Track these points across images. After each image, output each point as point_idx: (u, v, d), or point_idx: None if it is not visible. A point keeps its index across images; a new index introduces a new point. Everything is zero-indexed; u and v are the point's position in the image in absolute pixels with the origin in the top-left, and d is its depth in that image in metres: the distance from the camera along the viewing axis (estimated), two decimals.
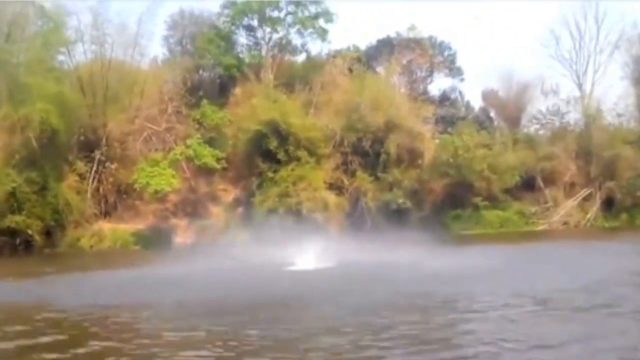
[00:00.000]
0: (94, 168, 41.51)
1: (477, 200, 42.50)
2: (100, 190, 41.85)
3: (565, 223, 43.39)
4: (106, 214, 41.70)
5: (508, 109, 50.33)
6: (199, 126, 44.43)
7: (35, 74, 38.90)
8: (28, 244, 37.07)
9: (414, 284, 17.74)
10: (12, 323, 14.03)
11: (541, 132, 49.24)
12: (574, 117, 48.71)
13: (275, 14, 48.53)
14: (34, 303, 17.29)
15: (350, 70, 47.86)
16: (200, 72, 50.42)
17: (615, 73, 50.51)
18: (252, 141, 41.51)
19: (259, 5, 47.81)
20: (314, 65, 49.42)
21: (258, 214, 38.83)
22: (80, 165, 41.44)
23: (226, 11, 49.41)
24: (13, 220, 36.11)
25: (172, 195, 42.13)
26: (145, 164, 40.77)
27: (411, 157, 43.47)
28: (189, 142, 42.34)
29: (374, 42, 55.04)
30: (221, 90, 48.91)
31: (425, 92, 53.58)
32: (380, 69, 51.91)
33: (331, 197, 40.25)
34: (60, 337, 12.63)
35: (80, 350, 11.43)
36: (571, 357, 9.54)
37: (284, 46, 50.16)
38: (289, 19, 48.59)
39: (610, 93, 58.95)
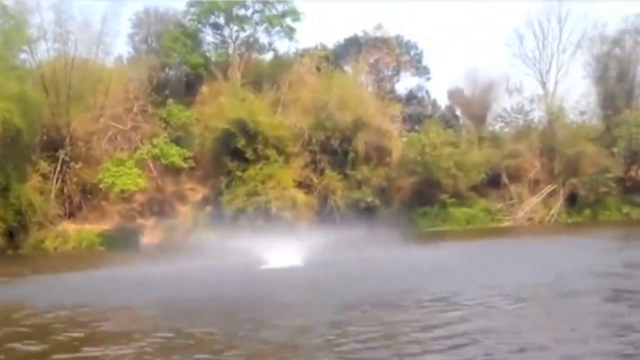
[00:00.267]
0: (58, 168, 40.77)
1: (444, 197, 42.97)
2: (65, 190, 41.14)
3: (530, 219, 44.06)
4: (71, 215, 41.01)
5: (473, 108, 50.94)
6: (165, 125, 43.99)
7: None
8: None
9: (383, 282, 17.77)
10: None
11: (506, 130, 49.98)
12: (537, 115, 49.69)
13: (242, 12, 48.24)
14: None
15: (318, 69, 47.92)
16: (167, 70, 49.88)
17: (578, 72, 51.68)
18: (220, 140, 41.20)
19: (226, 4, 47.45)
20: (281, 63, 49.27)
21: (227, 213, 38.58)
22: (44, 165, 40.67)
23: (192, 9, 49.01)
24: None
25: (139, 195, 41.60)
26: (110, 164, 40.18)
27: (379, 155, 43.67)
28: (155, 141, 41.81)
29: (341, 41, 55.14)
30: (188, 89, 48.44)
31: (392, 90, 53.88)
32: (347, 68, 52.04)
33: (300, 196, 40.17)
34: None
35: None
36: (541, 352, 9.61)
37: (251, 44, 49.90)
38: (256, 17, 48.35)
39: (572, 91, 60.26)
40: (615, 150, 44.81)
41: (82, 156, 42.16)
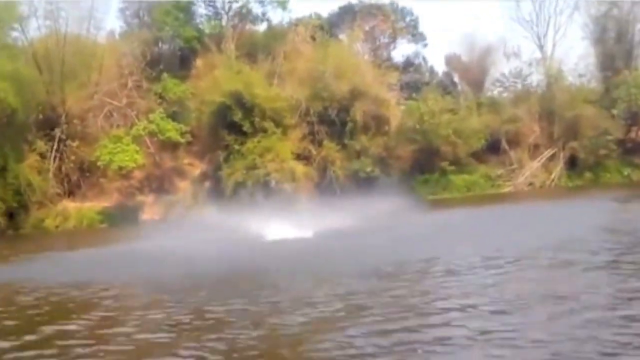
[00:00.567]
0: (55, 147, 40.61)
1: (444, 164, 42.76)
2: (63, 169, 41.00)
3: (531, 184, 43.87)
4: (70, 193, 40.90)
5: (471, 73, 50.43)
6: (160, 100, 43.64)
7: None
8: None
9: (389, 251, 17.65)
10: None
11: (504, 95, 49.45)
12: (536, 78, 49.03)
13: None
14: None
15: (313, 38, 47.42)
16: (160, 44, 49.27)
17: (576, 34, 50.95)
18: (217, 113, 40.90)
19: None
20: (275, 34, 48.63)
21: (226, 188, 38.46)
22: (41, 144, 40.47)
23: None
24: None
25: (137, 172, 41.45)
26: (107, 141, 40.00)
27: (377, 124, 43.35)
28: (151, 116, 41.55)
29: (335, 9, 54.55)
30: (182, 62, 47.97)
31: (389, 58, 53.30)
32: (343, 37, 51.45)
33: (299, 168, 40.03)
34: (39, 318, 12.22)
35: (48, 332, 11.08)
36: (544, 318, 9.50)
37: (245, 15, 49.20)
38: None
39: (571, 54, 59.90)
40: (614, 112, 44.37)
41: (79, 134, 41.90)
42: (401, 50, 56.86)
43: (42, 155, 40.30)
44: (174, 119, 42.01)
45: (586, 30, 50.18)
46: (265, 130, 40.27)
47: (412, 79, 51.17)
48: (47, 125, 41.20)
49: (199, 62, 47.03)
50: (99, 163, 39.33)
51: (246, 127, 40.08)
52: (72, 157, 41.14)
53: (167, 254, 19.72)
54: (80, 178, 41.58)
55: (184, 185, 42.57)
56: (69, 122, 41.46)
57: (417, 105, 43.55)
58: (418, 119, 42.35)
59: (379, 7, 53.42)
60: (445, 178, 42.72)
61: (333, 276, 14.08)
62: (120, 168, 39.19)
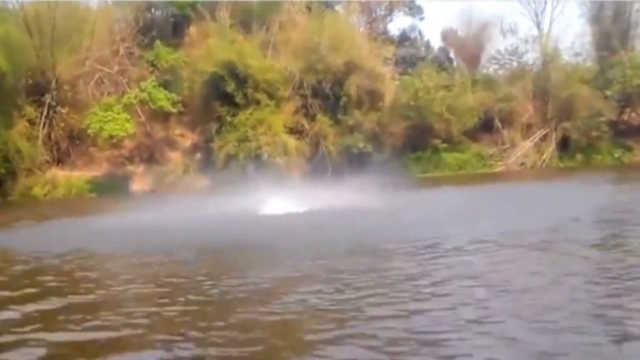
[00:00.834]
0: (45, 113, 40.07)
1: (437, 142, 42.65)
2: (52, 136, 40.56)
3: (522, 164, 43.90)
4: (59, 161, 40.54)
5: (467, 49, 50.05)
6: (152, 68, 43.00)
7: None
8: None
9: (384, 229, 17.55)
10: None
11: (500, 72, 49.17)
12: (532, 56, 48.73)
13: None
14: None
15: (309, 8, 46.72)
16: (153, 10, 48.26)
17: (573, 11, 50.48)
18: (209, 84, 40.45)
19: None
20: (270, 3, 47.62)
21: (217, 160, 38.25)
22: (30, 110, 39.95)
23: None
24: None
25: (127, 141, 41.10)
26: (97, 108, 39.53)
27: (371, 99, 43.02)
28: (143, 85, 40.94)
29: None
30: (175, 30, 47.06)
31: (385, 31, 52.81)
32: (339, 8, 50.78)
33: (291, 142, 39.79)
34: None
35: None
36: (539, 299, 9.47)
37: None
38: None
39: (568, 32, 59.30)
40: (608, 93, 44.25)
41: (69, 100, 41.39)
42: (397, 24, 56.67)
43: (32, 122, 39.84)
44: (165, 88, 41.42)
45: (583, 8, 49.84)
46: (258, 102, 39.93)
47: (408, 54, 50.67)
48: (37, 91, 40.61)
49: (192, 30, 46.25)
50: (89, 131, 38.88)
51: (239, 98, 39.71)
52: (62, 124, 40.67)
53: (158, 226, 19.56)
54: (70, 146, 41.20)
55: (174, 156, 42.22)
56: (59, 88, 40.89)
57: (412, 80, 43.21)
58: (412, 95, 42.06)
59: None
60: (437, 156, 42.64)
61: (320, 253, 13.95)
62: (111, 137, 38.80)
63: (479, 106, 43.86)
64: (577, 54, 48.13)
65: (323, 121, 41.54)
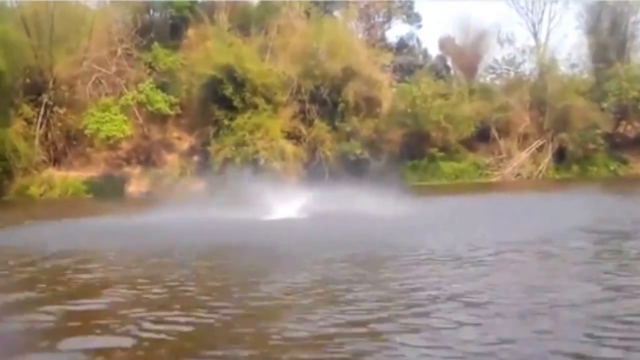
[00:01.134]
0: (42, 112, 39.95)
1: (434, 151, 42.84)
2: (49, 136, 40.44)
3: (518, 174, 44.09)
4: (55, 161, 40.41)
5: (465, 58, 50.28)
6: (150, 70, 42.94)
7: None
8: None
9: (373, 238, 17.57)
10: None
11: (497, 82, 49.41)
12: (528, 67, 49.09)
13: None
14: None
15: (307, 14, 46.76)
16: (151, 12, 48.34)
17: (570, 23, 50.86)
18: (207, 87, 40.49)
19: None
20: (269, 7, 47.86)
21: (214, 163, 38.22)
22: (27, 110, 39.83)
23: None
24: None
25: (125, 143, 41.00)
26: (95, 109, 39.43)
27: (369, 106, 43.15)
28: (141, 86, 40.93)
29: None
30: (173, 32, 47.04)
31: (382, 38, 53.00)
32: (337, 14, 50.87)
33: (289, 147, 39.85)
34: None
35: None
36: (525, 311, 9.51)
37: None
38: None
39: (565, 43, 59.66)
40: (604, 105, 44.55)
41: (66, 101, 41.27)
42: (395, 31, 56.79)
43: (29, 121, 39.71)
44: (163, 90, 41.39)
45: (580, 20, 50.34)
46: (255, 107, 39.96)
47: (405, 61, 50.81)
48: (35, 91, 40.50)
49: (190, 32, 46.22)
50: (86, 132, 38.81)
51: (236, 102, 39.74)
52: (59, 124, 40.54)
53: (160, 228, 19.55)
54: (67, 146, 41.07)
55: (171, 158, 42.15)
56: (56, 88, 40.78)
57: (410, 88, 43.40)
58: (410, 103, 42.24)
59: None
60: (433, 164, 42.79)
61: (317, 260, 13.99)
62: (108, 138, 38.71)
63: (476, 115, 44.05)
64: (573, 66, 48.47)
65: (321, 127, 41.63)
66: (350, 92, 42.16)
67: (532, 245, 15.08)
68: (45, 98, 40.03)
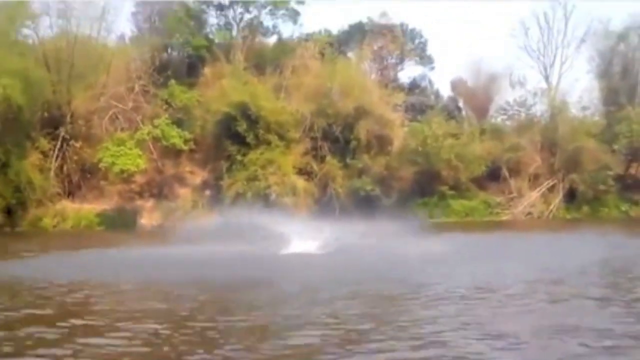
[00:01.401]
0: (58, 146, 40.69)
1: (444, 189, 42.97)
2: (64, 169, 41.08)
3: (529, 213, 44.05)
4: (70, 194, 40.94)
5: (476, 99, 50.79)
6: (166, 106, 43.64)
7: None
8: None
9: (388, 273, 17.63)
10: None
11: (508, 123, 49.71)
12: (540, 109, 49.38)
13: None
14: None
15: (322, 54, 47.57)
16: (169, 51, 49.62)
17: (582, 66, 51.42)
18: (221, 123, 41.16)
19: None
20: (285, 48, 48.98)
21: (226, 197, 38.57)
22: (44, 143, 40.56)
23: None
24: None
25: (138, 176, 41.49)
26: (110, 143, 39.99)
27: (380, 144, 43.61)
28: (156, 122, 41.56)
29: (345, 27, 54.89)
30: (190, 70, 48.13)
31: (395, 79, 53.79)
32: (351, 55, 51.87)
33: (300, 182, 40.20)
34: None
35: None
36: (533, 351, 9.53)
37: (255, 27, 49.60)
38: None
39: (576, 86, 60.36)
40: (615, 147, 44.75)
41: (83, 135, 42.04)
42: (408, 72, 57.34)
43: (45, 154, 40.40)
44: (178, 126, 42.05)
45: (592, 64, 50.98)
46: (268, 143, 40.48)
47: (417, 101, 51.38)
48: (52, 124, 41.35)
49: (206, 71, 47.16)
50: (100, 165, 39.33)
51: (250, 138, 40.30)
52: (75, 158, 41.25)
53: (176, 260, 19.74)
54: (81, 179, 41.67)
55: (184, 192, 42.58)
56: (73, 122, 41.63)
57: (421, 127, 43.82)
58: (421, 142, 42.59)
59: (389, 28, 53.75)
60: (444, 202, 42.89)
61: (332, 297, 14.02)
62: (122, 171, 39.20)
63: (487, 155, 44.26)
64: (584, 108, 48.88)
65: (332, 163, 42.04)
66: (362, 130, 42.66)
67: (542, 285, 15.14)
68: (62, 132, 40.83)
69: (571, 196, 44.74)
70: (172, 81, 44.52)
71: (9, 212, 37.63)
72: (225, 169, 40.40)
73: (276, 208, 35.75)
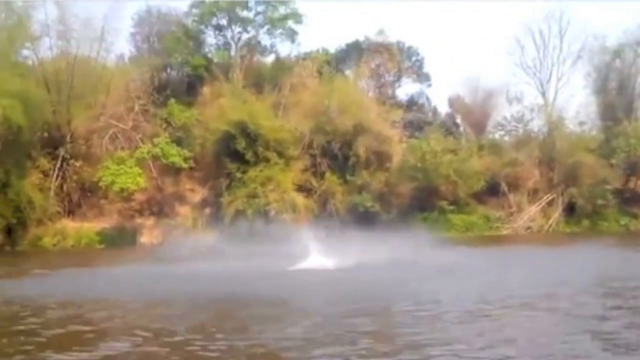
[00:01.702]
0: (58, 165, 40.77)
1: (443, 204, 43.01)
2: (64, 188, 41.11)
3: (529, 228, 44.13)
4: (70, 212, 40.93)
5: (474, 115, 51.05)
6: (166, 125, 43.88)
7: None
8: None
9: (393, 288, 17.65)
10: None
11: (506, 138, 49.98)
12: (537, 124, 49.58)
13: (244, 13, 48.31)
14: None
15: (320, 72, 47.88)
16: (168, 70, 49.89)
17: (578, 82, 51.78)
18: (220, 141, 41.36)
19: (228, 5, 47.49)
20: (283, 66, 49.32)
21: (226, 215, 38.63)
22: (44, 163, 40.68)
23: (194, 10, 49.05)
24: None
25: (138, 194, 41.53)
26: (110, 162, 40.12)
27: (379, 160, 43.81)
28: (156, 140, 41.74)
29: (343, 45, 55.23)
30: (189, 89, 48.42)
31: (393, 96, 54.11)
32: (349, 73, 52.23)
33: (299, 199, 40.36)
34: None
35: None
36: None
37: (253, 47, 49.94)
38: (259, 19, 48.46)
39: (572, 102, 60.66)
40: (613, 161, 45.00)
41: (83, 154, 42.17)
42: (405, 89, 57.72)
43: (45, 173, 40.47)
44: (178, 144, 42.24)
45: (588, 80, 51.31)
46: (268, 160, 40.63)
47: (415, 118, 51.74)
48: (52, 144, 41.49)
49: (205, 90, 47.49)
50: (100, 184, 39.41)
51: (249, 156, 40.45)
52: (75, 177, 41.33)
53: (196, 277, 19.73)
54: (81, 198, 41.67)
55: (184, 210, 42.67)
56: (73, 141, 41.78)
57: (420, 144, 44.04)
58: (420, 158, 42.77)
59: (386, 46, 54.20)
60: (443, 217, 42.92)
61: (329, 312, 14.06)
62: (122, 190, 39.28)
63: (486, 170, 44.38)
64: (582, 123, 49.10)
65: (332, 180, 42.26)
66: (361, 147, 42.87)
67: (545, 300, 15.20)
68: (62, 151, 40.92)
69: (570, 210, 44.86)
70: (172, 100, 44.82)
71: (9, 231, 37.64)
72: (225, 187, 40.51)
73: (276, 224, 35.73)
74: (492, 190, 45.09)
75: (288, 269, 21.79)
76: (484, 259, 26.85)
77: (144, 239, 40.02)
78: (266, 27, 48.87)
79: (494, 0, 61.78)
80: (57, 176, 40.71)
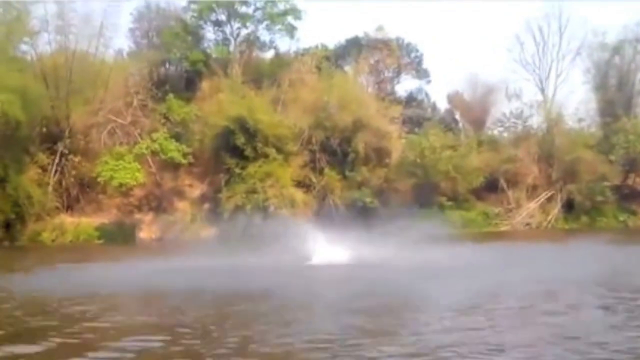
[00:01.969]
0: (57, 160, 40.65)
1: (443, 200, 43.02)
2: (63, 183, 41.01)
3: (528, 224, 44.21)
4: (68, 208, 40.86)
5: (473, 112, 51.09)
6: (165, 120, 43.75)
7: None
8: None
9: (401, 286, 17.43)
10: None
11: (505, 135, 50.03)
12: (536, 120, 49.67)
13: (243, 9, 48.23)
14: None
15: (319, 68, 47.83)
16: (167, 65, 49.85)
17: (577, 78, 51.76)
18: (219, 137, 41.24)
19: (227, 1, 47.45)
20: (282, 62, 49.26)
21: (225, 210, 38.59)
22: (42, 158, 40.56)
23: (193, 6, 48.99)
24: None
25: (137, 190, 41.48)
26: (109, 157, 40.02)
27: (378, 156, 43.79)
28: (154, 136, 41.67)
29: (342, 41, 55.25)
30: (188, 84, 48.36)
31: (392, 92, 54.13)
32: (348, 69, 52.22)
33: (298, 195, 40.32)
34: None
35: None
36: None
37: (252, 42, 49.86)
38: (258, 14, 48.39)
39: (571, 98, 60.76)
40: (612, 157, 44.99)
41: (81, 149, 42.02)
42: (405, 85, 57.78)
43: (43, 169, 40.38)
44: (177, 140, 42.15)
45: (588, 76, 51.33)
46: (267, 156, 40.56)
47: (415, 114, 51.74)
48: (50, 139, 41.36)
49: (204, 85, 47.39)
50: (99, 179, 39.33)
51: (248, 151, 40.37)
52: (73, 172, 41.20)
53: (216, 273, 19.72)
54: (80, 193, 41.58)
55: (182, 205, 42.59)
56: (72, 137, 41.61)
57: (419, 139, 44.02)
58: (419, 153, 42.75)
59: (385, 42, 54.17)
60: (442, 213, 42.85)
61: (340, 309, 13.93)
62: (121, 185, 39.20)
63: (485, 166, 44.41)
64: (581, 120, 49.24)
65: (331, 175, 42.24)
66: (360, 143, 42.85)
67: (547, 297, 15.10)
68: (60, 146, 40.82)
69: (569, 207, 44.90)
70: (170, 95, 44.69)
71: (7, 226, 37.47)
72: (224, 182, 40.48)
73: (274, 220, 35.68)
74: (491, 187, 45.12)
75: (305, 264, 21.75)
76: (489, 256, 26.68)
77: (143, 234, 40.02)
78: (265, 22, 48.77)
79: None
80: (56, 171, 40.62)
